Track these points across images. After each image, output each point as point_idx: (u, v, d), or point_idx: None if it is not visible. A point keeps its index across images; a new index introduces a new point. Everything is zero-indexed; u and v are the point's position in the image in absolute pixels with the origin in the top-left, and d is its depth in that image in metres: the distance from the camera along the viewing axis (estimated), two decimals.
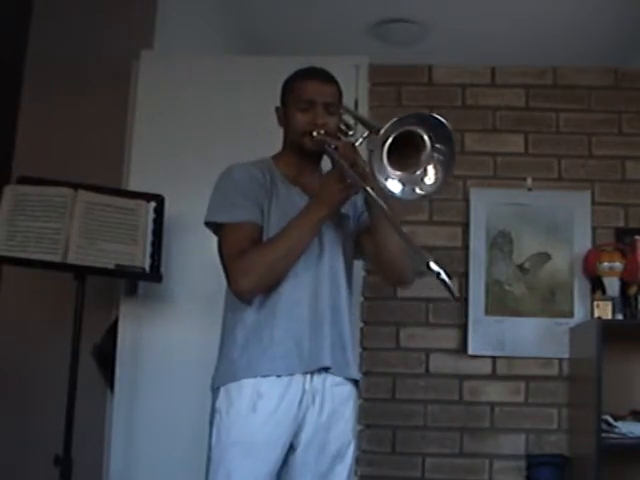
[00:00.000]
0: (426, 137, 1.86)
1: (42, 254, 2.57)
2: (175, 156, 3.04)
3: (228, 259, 2.06)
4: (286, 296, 2.06)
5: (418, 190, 1.88)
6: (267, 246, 2.03)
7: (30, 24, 3.39)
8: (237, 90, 3.07)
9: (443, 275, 1.68)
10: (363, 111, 2.98)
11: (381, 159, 1.82)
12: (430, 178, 1.88)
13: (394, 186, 1.86)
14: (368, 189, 1.90)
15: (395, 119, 1.81)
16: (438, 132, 1.86)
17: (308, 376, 2.04)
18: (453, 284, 1.71)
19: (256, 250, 2.02)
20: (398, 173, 1.86)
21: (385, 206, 1.89)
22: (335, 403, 2.08)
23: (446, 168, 1.88)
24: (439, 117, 1.85)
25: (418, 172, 1.88)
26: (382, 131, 1.81)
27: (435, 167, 1.88)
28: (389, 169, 1.84)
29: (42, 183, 2.67)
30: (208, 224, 2.14)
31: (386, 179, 1.84)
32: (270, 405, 2.00)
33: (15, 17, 3.53)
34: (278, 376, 2.02)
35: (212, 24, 3.69)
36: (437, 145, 1.86)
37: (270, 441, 1.99)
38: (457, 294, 1.74)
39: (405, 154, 1.87)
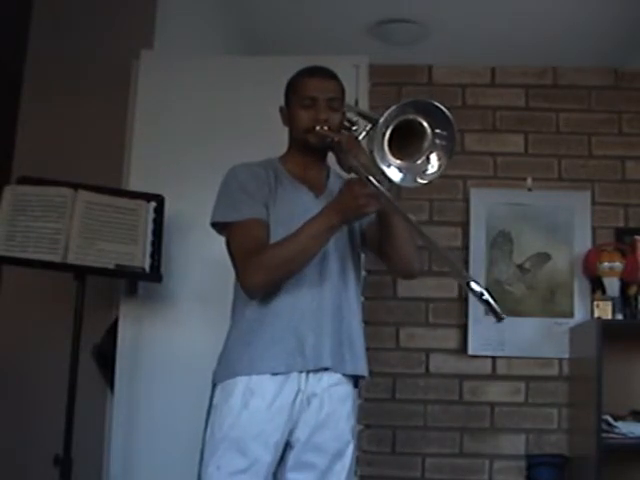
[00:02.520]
0: (425, 123, 1.88)
1: (42, 254, 2.56)
2: (175, 156, 3.04)
3: (238, 256, 2.08)
4: (288, 293, 2.06)
5: (419, 179, 1.90)
6: (277, 247, 2.03)
7: (30, 24, 3.38)
8: (237, 90, 3.07)
9: (487, 296, 1.70)
10: None
11: (382, 148, 1.84)
12: (433, 166, 1.90)
13: (395, 175, 1.87)
14: (375, 183, 1.89)
15: (393, 107, 1.83)
16: (437, 117, 1.87)
17: (304, 375, 2.05)
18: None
19: (266, 250, 2.04)
20: (399, 162, 1.88)
21: (394, 199, 1.90)
22: (333, 403, 2.08)
23: (448, 152, 1.89)
24: (436, 103, 1.86)
25: (420, 161, 1.90)
26: (381, 120, 1.82)
27: (438, 154, 1.89)
28: (390, 158, 1.86)
29: (42, 183, 2.67)
30: (214, 225, 2.15)
31: (388, 167, 1.85)
32: (263, 402, 2.01)
33: (15, 17, 3.53)
34: (273, 374, 2.03)
35: (212, 24, 3.68)
36: (437, 130, 1.88)
37: (261, 437, 2.00)
38: (503, 316, 1.74)
39: (408, 143, 1.88)
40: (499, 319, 1.73)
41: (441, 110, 1.86)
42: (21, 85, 3.36)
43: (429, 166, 1.90)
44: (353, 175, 2.00)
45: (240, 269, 2.07)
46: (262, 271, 2.01)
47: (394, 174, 1.87)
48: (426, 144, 1.89)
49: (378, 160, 1.84)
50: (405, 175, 1.88)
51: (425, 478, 3.74)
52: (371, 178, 1.89)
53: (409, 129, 1.87)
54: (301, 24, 3.80)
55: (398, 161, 1.88)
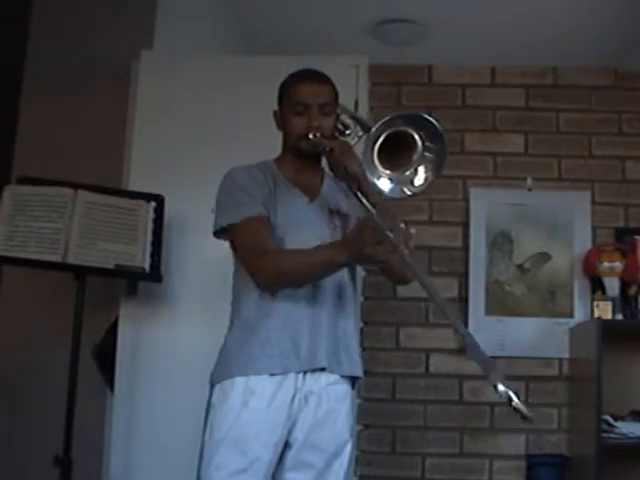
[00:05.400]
0: (416, 136, 1.88)
1: (42, 254, 2.56)
2: (175, 156, 3.04)
3: (248, 255, 2.09)
4: (284, 295, 2.07)
5: (406, 190, 1.90)
6: (288, 255, 2.06)
7: (30, 24, 3.38)
8: (237, 90, 3.07)
9: (515, 401, 1.57)
10: (363, 111, 2.98)
11: (372, 158, 1.84)
12: (420, 178, 1.90)
13: (384, 185, 1.88)
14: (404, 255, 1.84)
15: (385, 119, 1.84)
16: (428, 130, 1.87)
17: (301, 375, 2.06)
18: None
19: (278, 254, 2.06)
20: (388, 172, 1.88)
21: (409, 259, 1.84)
22: (331, 402, 2.09)
23: (437, 167, 1.90)
24: (427, 116, 1.87)
25: (408, 172, 1.90)
26: (373, 130, 1.83)
27: (426, 167, 1.90)
28: (380, 168, 1.87)
29: (42, 183, 2.67)
30: (218, 232, 2.15)
31: (378, 178, 1.86)
32: (262, 402, 2.02)
33: (15, 17, 3.52)
34: (272, 374, 2.03)
35: (212, 24, 3.68)
36: (427, 144, 1.88)
37: (260, 437, 2.01)
38: (529, 416, 1.58)
39: (398, 154, 1.89)
40: (525, 419, 1.59)
41: (433, 124, 1.86)
42: (21, 85, 3.36)
43: (416, 178, 1.91)
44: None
45: (250, 268, 2.07)
46: (269, 272, 2.03)
47: (384, 185, 1.88)
48: (415, 157, 1.90)
49: (368, 174, 1.85)
50: (394, 185, 1.89)
51: (425, 478, 3.74)
52: (359, 194, 1.91)
53: (401, 139, 1.88)
54: (301, 24, 3.80)
55: (387, 171, 1.89)
